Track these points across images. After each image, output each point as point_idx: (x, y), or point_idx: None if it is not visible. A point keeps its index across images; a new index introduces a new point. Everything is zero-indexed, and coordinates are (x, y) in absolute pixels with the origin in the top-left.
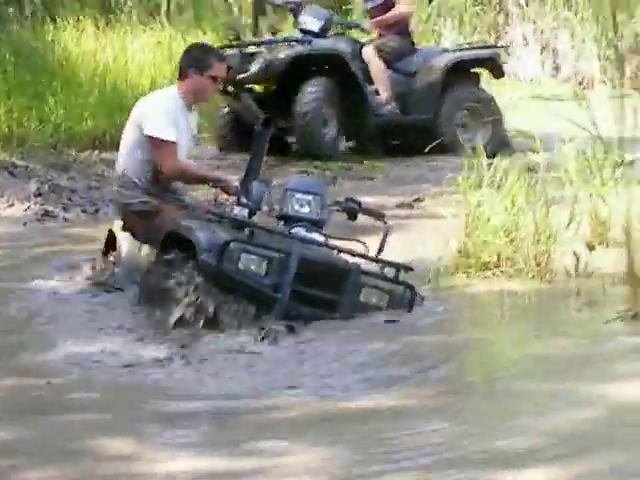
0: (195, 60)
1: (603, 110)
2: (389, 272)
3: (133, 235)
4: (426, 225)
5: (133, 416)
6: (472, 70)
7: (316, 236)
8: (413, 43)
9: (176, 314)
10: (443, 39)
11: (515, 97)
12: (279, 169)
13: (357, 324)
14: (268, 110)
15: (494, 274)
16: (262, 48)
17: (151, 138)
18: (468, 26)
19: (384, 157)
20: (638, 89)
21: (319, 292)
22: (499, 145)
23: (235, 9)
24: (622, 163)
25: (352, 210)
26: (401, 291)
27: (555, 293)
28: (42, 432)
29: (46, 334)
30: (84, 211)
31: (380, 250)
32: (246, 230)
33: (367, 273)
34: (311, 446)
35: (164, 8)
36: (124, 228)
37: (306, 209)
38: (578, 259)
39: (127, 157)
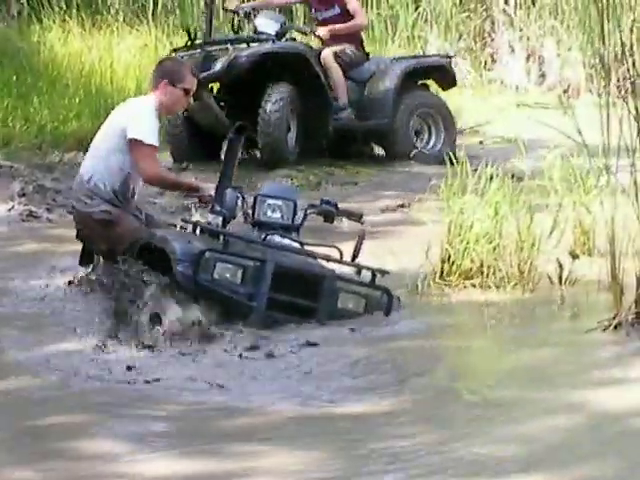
0: (168, 72)
1: (588, 118)
2: (366, 277)
3: (89, 242)
4: (409, 231)
5: (112, 417)
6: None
7: (290, 242)
8: (366, 53)
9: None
10: (429, 45)
11: (500, 104)
12: (262, 174)
13: (337, 331)
14: (228, 111)
15: (476, 282)
16: (226, 46)
17: (135, 141)
18: (454, 32)
19: (366, 163)
20: (623, 98)
21: (295, 299)
22: (451, 150)
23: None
24: (606, 172)
25: (329, 213)
26: (378, 295)
27: (538, 302)
28: (22, 432)
29: (25, 334)
30: (69, 212)
31: (355, 255)
32: (220, 239)
33: (343, 279)
34: (292, 449)
35: (151, 9)
36: (78, 236)
37: (277, 214)
38: (562, 267)
39: (98, 162)
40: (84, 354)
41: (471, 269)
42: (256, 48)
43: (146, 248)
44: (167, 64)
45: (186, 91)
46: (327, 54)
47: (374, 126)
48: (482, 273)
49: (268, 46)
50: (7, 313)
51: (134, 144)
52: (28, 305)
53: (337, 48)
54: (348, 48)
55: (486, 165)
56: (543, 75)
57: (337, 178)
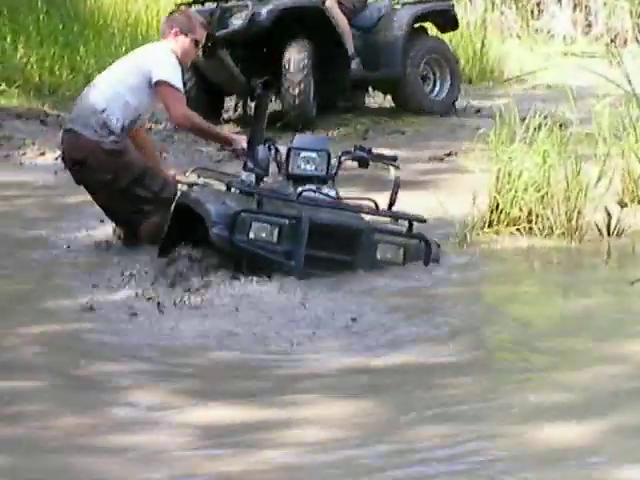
0: (179, 22)
1: (636, 68)
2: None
3: (87, 170)
4: (457, 180)
5: (155, 367)
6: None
7: (325, 194)
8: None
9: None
10: None
11: (546, 53)
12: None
13: (382, 281)
14: (246, 71)
15: (524, 230)
16: (243, 1)
17: (163, 83)
18: None
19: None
20: None
21: (333, 254)
22: (455, 98)
23: None
24: None
25: (362, 158)
26: (417, 244)
27: (585, 251)
28: (63, 381)
29: (70, 282)
30: (65, 136)
31: (392, 203)
32: (255, 197)
33: (380, 230)
34: (338, 399)
35: None
36: (70, 160)
37: (311, 166)
38: (610, 216)
39: (115, 98)
40: (127, 303)
41: (519, 218)
42: (275, 3)
43: (180, 208)
44: (178, 15)
45: (196, 42)
46: (332, 4)
47: (384, 76)
48: (530, 222)
49: (287, 1)
50: (56, 262)
51: (162, 86)
52: (75, 254)
53: None
54: None
55: (534, 114)
56: (590, 25)
57: (384, 127)
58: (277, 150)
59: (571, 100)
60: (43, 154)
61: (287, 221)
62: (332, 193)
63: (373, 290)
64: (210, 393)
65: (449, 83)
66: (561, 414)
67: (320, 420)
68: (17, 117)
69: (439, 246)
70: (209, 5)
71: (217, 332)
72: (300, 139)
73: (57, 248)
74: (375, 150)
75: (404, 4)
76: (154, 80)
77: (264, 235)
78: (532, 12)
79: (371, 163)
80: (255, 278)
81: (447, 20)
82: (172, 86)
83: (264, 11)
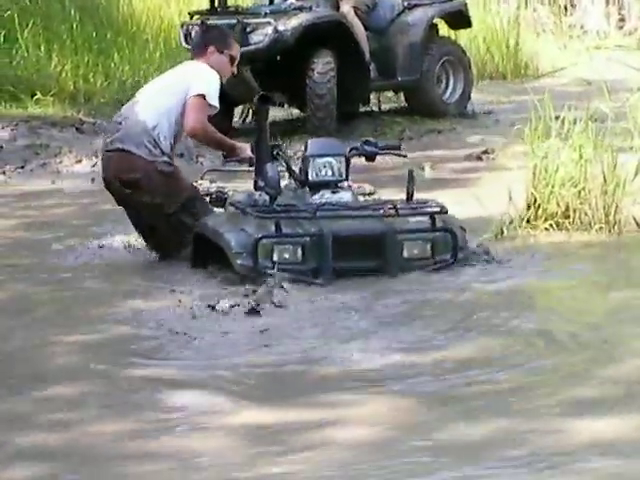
0: (215, 38)
1: None
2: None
3: (135, 191)
4: (494, 177)
5: (196, 369)
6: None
7: (343, 196)
8: None
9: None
10: None
11: (579, 48)
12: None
13: (421, 279)
14: (265, 84)
15: (562, 226)
16: (262, 18)
17: (198, 96)
18: None
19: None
20: None
21: (361, 263)
22: (467, 100)
23: None
24: None
25: (369, 152)
26: (443, 236)
27: (624, 244)
28: (107, 385)
29: (106, 289)
30: (108, 153)
31: (409, 196)
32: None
33: (403, 229)
34: (385, 397)
35: None
36: (126, 184)
37: (331, 172)
38: None
39: (161, 116)
40: (170, 308)
41: (557, 213)
42: (297, 20)
43: (200, 238)
44: (212, 31)
45: (232, 58)
46: (348, 10)
47: (402, 82)
48: (567, 217)
49: (309, 17)
50: (95, 268)
51: (195, 98)
52: (116, 261)
53: (352, 0)
54: None
55: (569, 108)
56: (623, 19)
57: (419, 127)
58: (286, 156)
59: (606, 94)
60: (80, 161)
61: (309, 238)
62: (348, 196)
63: (423, 288)
64: (255, 396)
65: (462, 84)
66: (610, 406)
67: (368, 419)
68: (53, 125)
69: (465, 230)
70: (224, 18)
71: (263, 335)
72: (315, 145)
73: (93, 256)
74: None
75: (414, 5)
76: (190, 94)
77: (288, 256)
78: (565, 8)
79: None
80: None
81: (460, 19)
82: (204, 100)
83: (288, 29)
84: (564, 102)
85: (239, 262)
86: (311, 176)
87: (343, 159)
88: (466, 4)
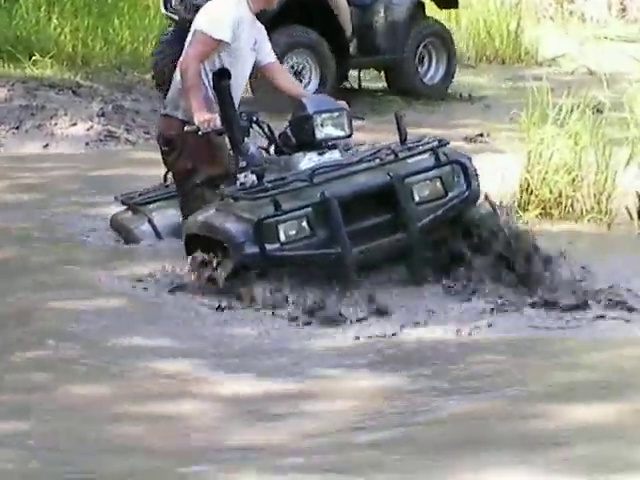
0: None
1: None
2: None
3: (176, 154)
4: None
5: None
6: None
7: (332, 154)
8: None
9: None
10: None
11: (580, 36)
12: None
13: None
14: None
15: (554, 213)
16: None
17: (198, 32)
18: None
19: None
20: None
21: (374, 219)
22: (449, 83)
23: None
24: None
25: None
26: (451, 169)
27: (614, 235)
28: (96, 353)
29: (99, 258)
30: (147, 133)
31: (404, 137)
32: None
33: (407, 173)
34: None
35: None
36: (166, 142)
37: (337, 129)
38: None
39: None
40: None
41: (549, 200)
42: None
43: (193, 240)
44: None
45: None
46: None
47: (383, 61)
48: (560, 204)
49: None
50: (86, 237)
51: (194, 34)
52: (103, 231)
53: None
54: None
55: (567, 96)
56: (624, 8)
57: (414, 106)
58: (264, 125)
59: (604, 84)
60: (74, 125)
61: (311, 208)
62: (337, 153)
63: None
64: (240, 368)
65: (445, 67)
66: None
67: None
68: (50, 87)
69: (470, 159)
70: None
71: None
72: (312, 102)
73: (87, 221)
74: None
75: None
76: (195, 29)
77: (295, 232)
78: None
79: None
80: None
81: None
82: (204, 33)
83: None
84: (562, 90)
85: (246, 251)
86: (318, 135)
87: (345, 113)
88: None
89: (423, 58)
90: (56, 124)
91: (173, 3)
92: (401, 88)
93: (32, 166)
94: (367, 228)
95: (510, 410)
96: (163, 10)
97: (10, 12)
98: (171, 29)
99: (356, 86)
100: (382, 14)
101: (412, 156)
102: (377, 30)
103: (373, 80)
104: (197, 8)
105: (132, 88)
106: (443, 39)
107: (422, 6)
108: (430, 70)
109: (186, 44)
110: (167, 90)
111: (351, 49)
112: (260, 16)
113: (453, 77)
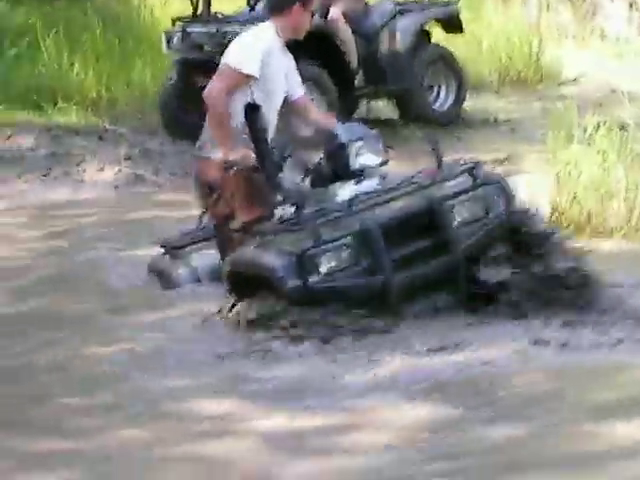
0: None
1: None
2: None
3: (210, 194)
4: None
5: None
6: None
7: (371, 183)
8: (365, 2)
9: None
10: None
11: (601, 54)
12: None
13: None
14: None
15: (585, 231)
16: (243, 26)
17: (225, 66)
18: None
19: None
20: None
21: (417, 244)
22: (459, 108)
23: None
24: None
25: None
26: (489, 189)
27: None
28: (148, 391)
29: (134, 303)
30: (173, 174)
31: (440, 161)
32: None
33: (446, 196)
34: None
35: None
36: (206, 186)
37: (373, 156)
38: None
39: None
40: (194, 323)
41: (579, 218)
42: None
43: (234, 276)
44: None
45: (312, 14)
46: (338, 15)
47: (391, 90)
48: (590, 222)
49: None
50: (115, 281)
51: (222, 67)
52: (134, 274)
53: (342, 5)
54: (350, 1)
55: (591, 115)
56: None
57: (438, 134)
58: (299, 154)
59: (626, 102)
60: (102, 169)
61: (351, 237)
62: (375, 181)
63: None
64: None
65: (455, 93)
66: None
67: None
68: (75, 133)
69: (505, 180)
70: (206, 26)
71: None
72: (346, 130)
73: (118, 266)
74: None
75: (404, 10)
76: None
77: (336, 263)
78: (587, 12)
79: None
80: None
81: (452, 23)
82: (232, 68)
83: None
84: (586, 109)
85: (289, 285)
86: (354, 163)
87: (380, 138)
88: (457, 10)
89: (432, 86)
90: (84, 170)
91: (175, 42)
92: (412, 116)
93: (62, 213)
94: (411, 254)
95: (553, 432)
96: (165, 50)
97: (33, 60)
98: (174, 69)
99: (368, 117)
100: (387, 43)
101: (449, 178)
102: (383, 59)
103: (387, 110)
104: (199, 46)
105: (156, 130)
106: (450, 64)
107: (427, 33)
108: (440, 96)
109: (213, 78)
110: (173, 130)
111: (358, 80)
112: None
113: (464, 101)
